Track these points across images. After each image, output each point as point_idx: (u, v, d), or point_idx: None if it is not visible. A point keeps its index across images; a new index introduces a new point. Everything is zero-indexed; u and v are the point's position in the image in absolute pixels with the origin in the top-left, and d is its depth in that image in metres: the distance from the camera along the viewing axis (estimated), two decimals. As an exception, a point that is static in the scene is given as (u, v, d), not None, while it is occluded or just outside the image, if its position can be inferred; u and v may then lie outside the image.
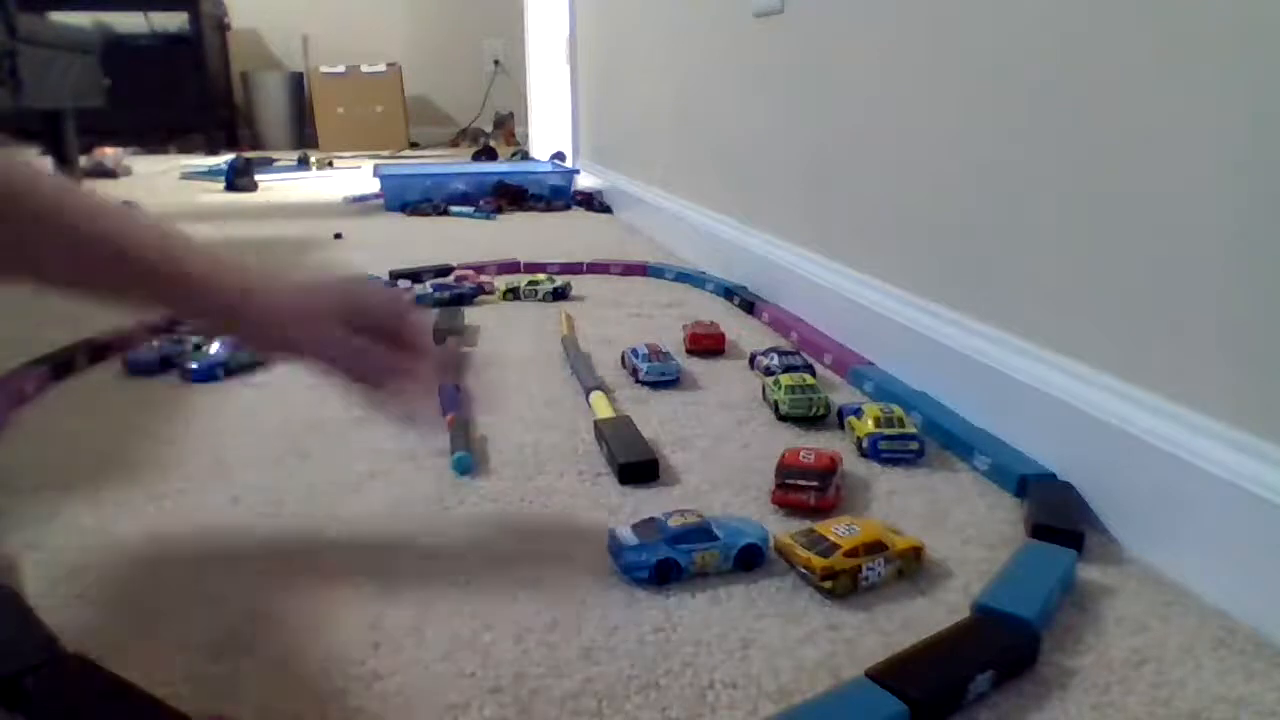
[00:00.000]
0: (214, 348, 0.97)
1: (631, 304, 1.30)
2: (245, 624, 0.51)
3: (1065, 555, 0.56)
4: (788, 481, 0.65)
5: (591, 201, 2.35)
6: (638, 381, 0.94)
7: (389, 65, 4.63)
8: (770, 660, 0.48)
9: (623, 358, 1.00)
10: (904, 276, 0.94)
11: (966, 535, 0.62)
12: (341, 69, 4.57)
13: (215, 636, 0.50)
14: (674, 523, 0.57)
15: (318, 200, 2.58)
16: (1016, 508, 0.66)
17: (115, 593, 0.55)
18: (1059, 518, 0.60)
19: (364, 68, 4.59)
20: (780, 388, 0.84)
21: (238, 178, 2.81)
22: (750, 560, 0.57)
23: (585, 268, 1.52)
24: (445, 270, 1.46)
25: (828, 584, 0.54)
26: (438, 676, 0.47)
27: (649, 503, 0.67)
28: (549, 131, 3.48)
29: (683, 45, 1.69)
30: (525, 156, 3.54)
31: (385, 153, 4.29)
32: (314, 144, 4.54)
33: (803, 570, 0.55)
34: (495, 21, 4.84)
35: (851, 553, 0.54)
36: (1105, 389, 0.64)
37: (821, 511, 0.64)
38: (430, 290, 1.29)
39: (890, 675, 0.44)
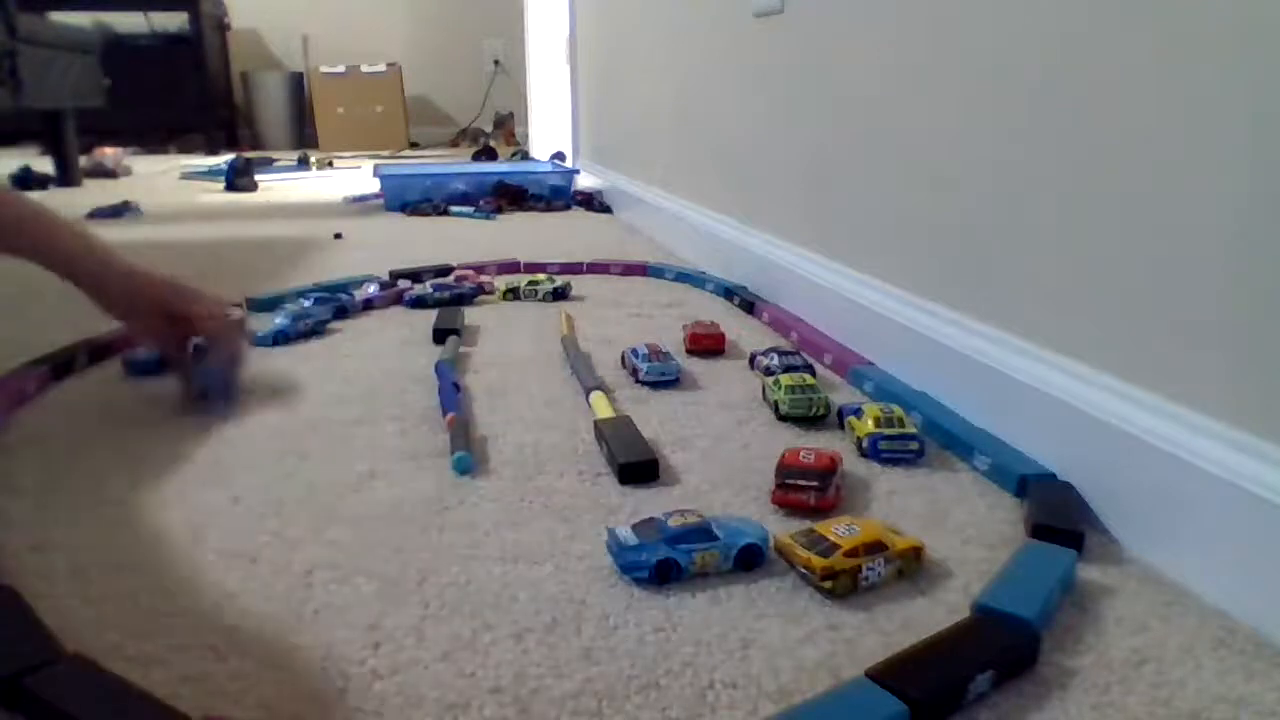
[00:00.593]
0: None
1: (631, 304, 1.30)
2: (245, 624, 0.51)
3: (1065, 555, 0.56)
4: (788, 481, 0.65)
5: (591, 201, 2.35)
6: (638, 381, 0.94)
7: (389, 65, 4.64)
8: (770, 660, 0.48)
9: (623, 358, 1.00)
10: (904, 276, 0.94)
11: (966, 535, 0.62)
12: (341, 69, 4.57)
13: (215, 637, 0.50)
14: (674, 523, 0.57)
15: (318, 200, 2.58)
16: (1016, 508, 0.66)
17: (115, 593, 0.55)
18: (1059, 518, 0.60)
19: (364, 68, 4.59)
20: (780, 388, 0.84)
21: (238, 178, 2.81)
22: (750, 560, 0.57)
23: (585, 268, 1.52)
24: (445, 270, 1.46)
25: (828, 584, 0.54)
26: (438, 676, 0.47)
27: (649, 503, 0.67)
28: (549, 131, 3.49)
29: (683, 45, 1.69)
30: (525, 156, 3.54)
31: (385, 153, 4.29)
32: (314, 144, 4.54)
33: (803, 570, 0.55)
34: (495, 21, 4.84)
35: (851, 553, 0.55)
36: (1105, 389, 0.64)
37: (821, 511, 0.64)
38: (430, 290, 1.29)
39: (890, 675, 0.44)
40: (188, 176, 3.23)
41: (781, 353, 0.97)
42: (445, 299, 1.28)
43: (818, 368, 0.97)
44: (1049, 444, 0.69)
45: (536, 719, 0.44)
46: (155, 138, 4.43)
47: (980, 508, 0.66)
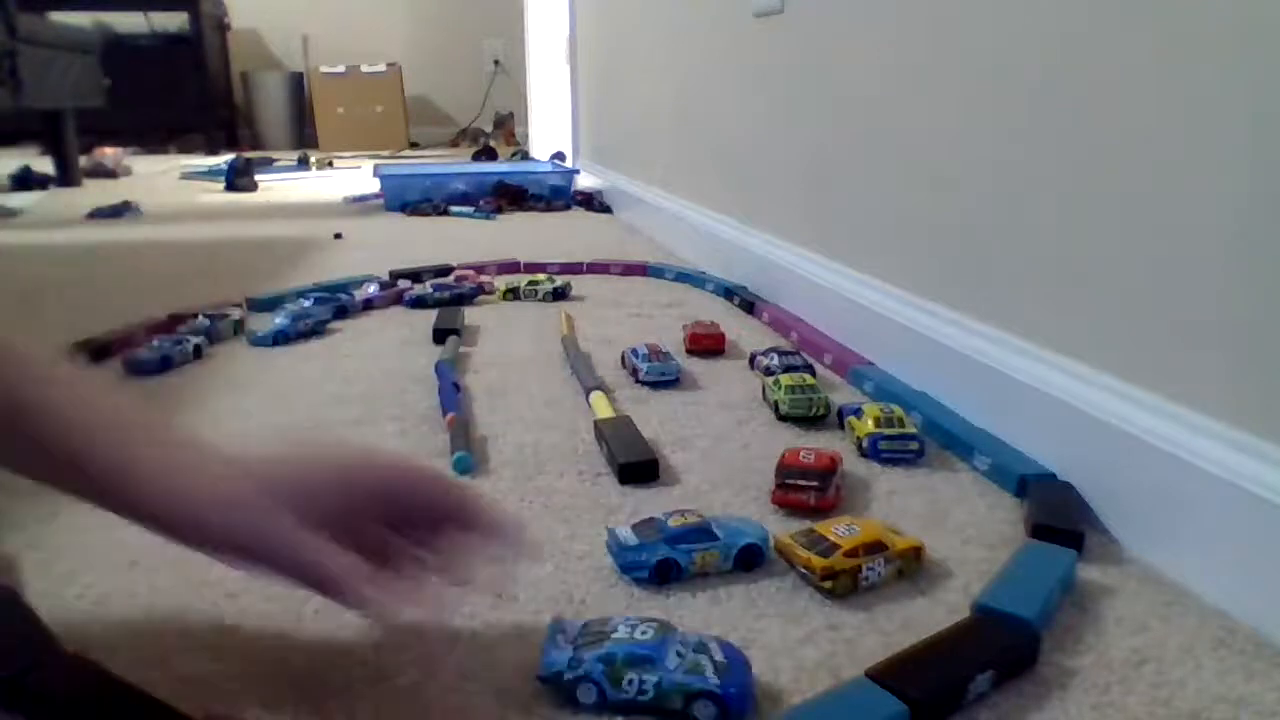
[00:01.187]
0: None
1: (631, 304, 1.30)
2: (245, 624, 0.51)
3: (1065, 555, 0.56)
4: (788, 481, 0.65)
5: (591, 201, 2.35)
6: (638, 381, 0.94)
7: (389, 65, 4.64)
8: (770, 660, 0.48)
9: (623, 358, 1.00)
10: (904, 276, 0.94)
11: (966, 535, 0.62)
12: (341, 69, 4.57)
13: (215, 637, 0.50)
14: (674, 523, 0.57)
15: (318, 200, 2.58)
16: (1016, 508, 0.66)
17: (115, 593, 0.55)
18: (1059, 518, 0.60)
19: (364, 68, 4.59)
20: (780, 388, 0.84)
21: (238, 178, 2.81)
22: (750, 560, 0.57)
23: (585, 268, 1.52)
24: (445, 270, 1.46)
25: (828, 584, 0.54)
26: (438, 676, 0.47)
27: (649, 503, 0.67)
28: (549, 131, 3.48)
29: (683, 45, 1.69)
30: (525, 156, 3.54)
31: (385, 153, 4.29)
32: (314, 144, 4.54)
33: (803, 570, 0.55)
34: (495, 21, 4.84)
35: (851, 553, 0.54)
36: (1105, 389, 0.64)
37: (821, 511, 0.64)
38: (430, 290, 1.29)
39: (890, 675, 0.44)
40: (188, 176, 3.23)
41: (781, 353, 0.97)
42: (445, 299, 1.28)
43: (818, 368, 0.97)
44: (1049, 444, 0.69)
45: (538, 719, 0.44)
46: (155, 138, 4.43)
47: (980, 508, 0.66)
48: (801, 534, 0.57)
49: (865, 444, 0.75)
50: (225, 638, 0.50)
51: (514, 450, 0.77)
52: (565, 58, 2.88)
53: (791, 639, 0.50)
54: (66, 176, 2.89)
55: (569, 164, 2.82)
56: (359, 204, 2.44)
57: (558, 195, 2.38)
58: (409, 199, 2.29)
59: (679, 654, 0.44)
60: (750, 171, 1.38)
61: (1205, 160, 0.56)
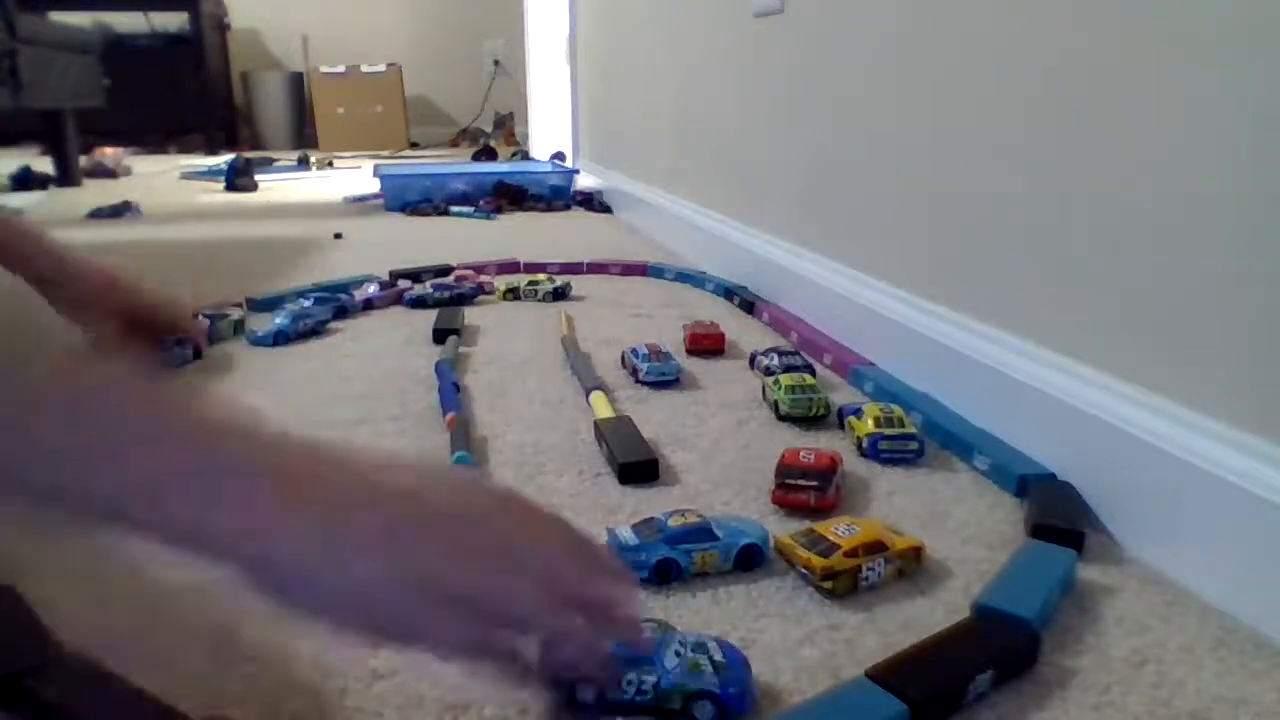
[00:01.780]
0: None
1: (631, 304, 1.30)
2: (245, 624, 0.51)
3: (1065, 555, 0.56)
4: (788, 481, 0.65)
5: (591, 201, 2.35)
6: (638, 381, 0.94)
7: (389, 65, 4.63)
8: (770, 660, 0.48)
9: (623, 358, 1.00)
10: (904, 276, 0.94)
11: (966, 535, 0.62)
12: (341, 69, 4.57)
13: (215, 637, 0.50)
14: (674, 523, 0.57)
15: (318, 200, 2.58)
16: (1016, 508, 0.66)
17: (115, 593, 0.55)
18: (1059, 518, 0.60)
19: (364, 68, 4.59)
20: (780, 388, 0.84)
21: (238, 178, 2.80)
22: (750, 560, 0.57)
23: (585, 268, 1.52)
24: (445, 270, 1.46)
25: (828, 584, 0.54)
26: (438, 676, 0.47)
27: (649, 503, 0.67)
28: (549, 131, 3.48)
29: (683, 45, 1.69)
30: (525, 156, 3.54)
31: (385, 153, 4.28)
32: (314, 144, 4.54)
33: (803, 570, 0.55)
34: (495, 21, 4.84)
35: (851, 553, 0.54)
36: (1105, 389, 0.64)
37: (821, 511, 0.64)
38: (430, 290, 1.29)
39: (890, 675, 0.44)
40: (188, 176, 3.23)
41: (781, 353, 0.97)
42: (445, 299, 1.28)
43: (818, 368, 0.97)
44: (1049, 444, 0.69)
45: (537, 719, 0.44)
46: (155, 138, 4.43)
47: (980, 508, 0.66)
48: (801, 534, 0.57)
49: (865, 444, 0.75)
50: (225, 638, 0.50)
51: (514, 450, 0.77)
52: (565, 58, 2.88)
53: (791, 639, 0.50)
54: (66, 176, 2.89)
55: (569, 164, 2.82)
56: (359, 204, 2.44)
57: (558, 195, 2.38)
58: (409, 199, 2.29)
59: (678, 654, 0.44)
60: (750, 171, 1.38)
61: (1205, 160, 0.56)
